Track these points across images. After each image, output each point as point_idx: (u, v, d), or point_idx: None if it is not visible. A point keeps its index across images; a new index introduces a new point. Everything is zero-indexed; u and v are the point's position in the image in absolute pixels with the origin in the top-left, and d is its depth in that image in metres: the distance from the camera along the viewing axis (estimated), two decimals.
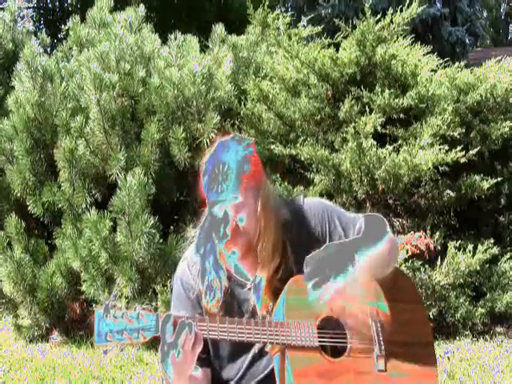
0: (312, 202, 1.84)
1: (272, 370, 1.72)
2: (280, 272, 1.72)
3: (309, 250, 1.67)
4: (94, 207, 4.12)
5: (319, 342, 1.64)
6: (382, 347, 1.67)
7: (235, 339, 1.61)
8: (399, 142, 4.22)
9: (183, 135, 4.18)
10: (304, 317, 1.65)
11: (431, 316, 3.94)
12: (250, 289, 1.75)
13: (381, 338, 1.68)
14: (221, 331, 1.60)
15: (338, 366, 1.64)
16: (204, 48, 5.05)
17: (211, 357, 1.78)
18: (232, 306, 1.75)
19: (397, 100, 4.21)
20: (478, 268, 4.04)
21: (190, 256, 1.84)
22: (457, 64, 4.61)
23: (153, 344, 4.06)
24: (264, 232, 1.70)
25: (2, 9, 6.64)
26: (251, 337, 1.61)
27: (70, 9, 14.73)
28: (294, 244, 1.75)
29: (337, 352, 1.67)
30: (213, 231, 1.74)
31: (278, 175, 4.23)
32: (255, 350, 1.74)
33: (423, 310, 1.91)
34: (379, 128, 4.14)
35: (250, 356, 1.75)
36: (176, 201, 4.51)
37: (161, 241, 3.98)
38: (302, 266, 1.65)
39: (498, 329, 4.17)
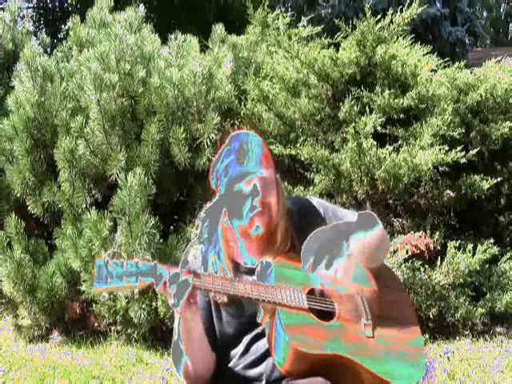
0: (310, 198, 2.03)
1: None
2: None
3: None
4: (93, 207, 4.12)
5: (309, 305, 1.74)
6: (369, 316, 1.77)
7: (229, 293, 1.69)
8: (399, 142, 4.22)
9: (183, 135, 4.18)
10: (293, 285, 1.75)
11: (431, 316, 3.95)
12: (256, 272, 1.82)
13: (367, 309, 1.78)
14: (215, 286, 1.68)
15: (328, 327, 1.73)
16: (204, 48, 5.05)
17: (217, 337, 1.86)
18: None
19: (397, 100, 4.22)
20: (478, 268, 4.05)
21: (195, 245, 1.94)
22: (457, 64, 4.61)
23: (153, 344, 4.06)
24: (281, 215, 1.85)
25: (2, 9, 6.65)
26: (244, 293, 1.69)
27: (69, 9, 14.70)
28: (297, 232, 1.87)
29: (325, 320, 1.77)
30: (233, 210, 1.82)
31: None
32: (258, 330, 1.81)
33: (406, 295, 2.07)
34: (379, 128, 4.14)
35: (252, 334, 1.82)
36: (176, 201, 4.51)
37: (161, 241, 3.98)
38: None
39: (498, 329, 4.18)
